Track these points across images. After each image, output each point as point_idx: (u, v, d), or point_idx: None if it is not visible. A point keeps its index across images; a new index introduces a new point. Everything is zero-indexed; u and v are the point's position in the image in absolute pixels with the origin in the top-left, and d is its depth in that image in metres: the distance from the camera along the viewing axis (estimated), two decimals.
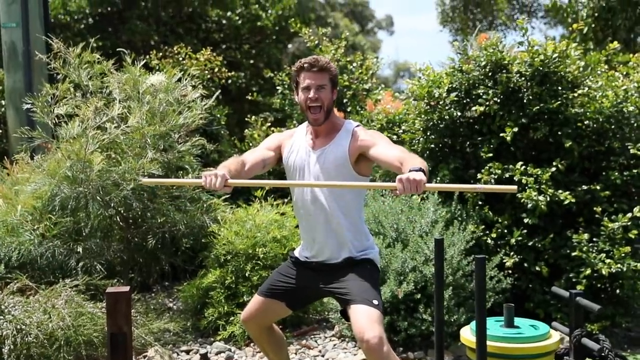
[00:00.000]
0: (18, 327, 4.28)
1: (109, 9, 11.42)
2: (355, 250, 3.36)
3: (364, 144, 3.24)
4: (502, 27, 14.33)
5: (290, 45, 16.81)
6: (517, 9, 14.26)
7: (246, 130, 7.69)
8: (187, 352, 4.82)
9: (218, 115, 7.67)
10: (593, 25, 7.72)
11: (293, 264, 3.51)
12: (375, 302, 3.14)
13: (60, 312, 4.43)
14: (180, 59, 8.27)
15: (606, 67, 5.50)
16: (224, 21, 12.19)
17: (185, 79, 5.79)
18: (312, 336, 5.11)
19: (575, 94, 5.22)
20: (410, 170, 2.82)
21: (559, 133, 5.17)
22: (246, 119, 7.81)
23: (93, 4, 11.05)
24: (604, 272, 4.69)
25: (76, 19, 11.06)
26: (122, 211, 5.41)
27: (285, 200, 5.78)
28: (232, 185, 3.04)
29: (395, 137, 5.74)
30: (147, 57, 7.42)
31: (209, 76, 8.06)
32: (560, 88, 5.24)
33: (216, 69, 8.33)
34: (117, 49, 6.04)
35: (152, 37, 11.50)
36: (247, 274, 5.02)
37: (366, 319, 3.03)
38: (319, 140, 3.36)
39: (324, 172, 3.29)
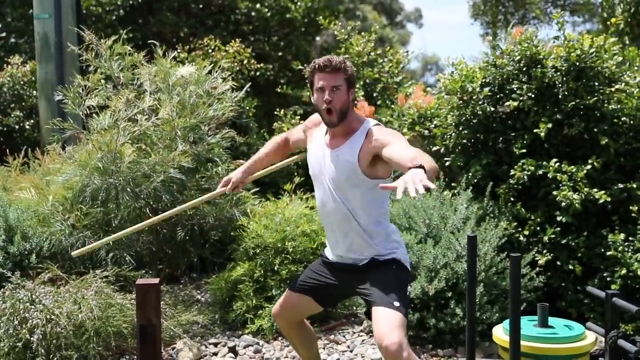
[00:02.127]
0: (48, 317, 4.30)
1: (139, 0, 11.45)
2: (379, 249, 3.26)
3: (377, 143, 3.11)
4: (535, 21, 14.14)
5: (318, 38, 16.76)
6: (551, 3, 14.06)
7: (275, 123, 7.65)
8: (215, 344, 4.81)
9: (247, 108, 7.66)
10: (629, 20, 7.59)
11: (323, 262, 3.49)
12: (397, 304, 3.05)
13: (89, 302, 4.44)
14: (210, 50, 8.26)
15: None
16: (252, 13, 12.15)
17: (216, 71, 5.77)
18: (341, 331, 5.08)
19: (612, 90, 5.12)
20: (409, 169, 2.66)
21: (595, 130, 5.07)
22: (275, 112, 7.77)
23: None
24: (639, 273, 4.59)
25: (108, 10, 11.10)
26: (151, 203, 5.41)
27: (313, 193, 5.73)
28: (246, 181, 3.60)
29: (427, 131, 5.68)
30: (177, 49, 7.42)
31: (238, 68, 8.04)
32: (596, 84, 5.14)
33: (245, 61, 8.31)
34: (148, 41, 6.05)
35: (181, 28, 11.50)
36: (275, 268, 5.00)
37: (385, 324, 2.97)
38: (335, 140, 3.27)
39: (336, 173, 3.22)
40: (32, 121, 8.39)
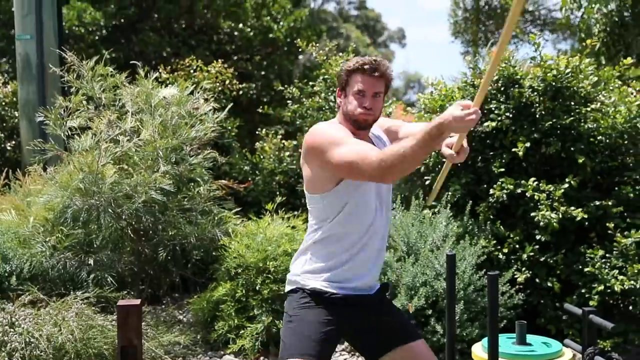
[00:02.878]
0: (27, 339, 4.30)
1: (122, 20, 11.48)
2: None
3: (393, 128, 2.98)
4: (515, 39, 14.33)
5: (301, 57, 16.87)
6: (530, 22, 14.23)
7: (257, 143, 7.70)
8: None
9: (229, 128, 7.69)
10: (605, 40, 7.71)
11: (324, 304, 2.76)
12: None
13: (70, 324, 4.44)
14: (192, 71, 8.30)
15: (619, 82, 5.47)
16: (235, 33, 12.23)
17: (198, 92, 5.81)
18: None
19: (588, 109, 5.20)
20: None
21: (572, 148, 5.14)
22: (257, 132, 7.82)
23: (108, 16, 11.10)
24: (616, 289, 4.65)
25: (90, 30, 11.12)
26: (133, 223, 5.43)
27: (296, 213, 5.76)
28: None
29: None
30: (159, 70, 7.45)
31: (220, 88, 8.08)
32: (573, 103, 5.23)
33: (227, 81, 8.35)
34: (130, 61, 6.08)
35: (164, 48, 11.54)
36: (257, 288, 5.01)
37: (432, 356, 2.89)
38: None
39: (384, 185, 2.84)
40: (13, 142, 8.38)
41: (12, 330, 4.33)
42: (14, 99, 8.35)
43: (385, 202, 2.87)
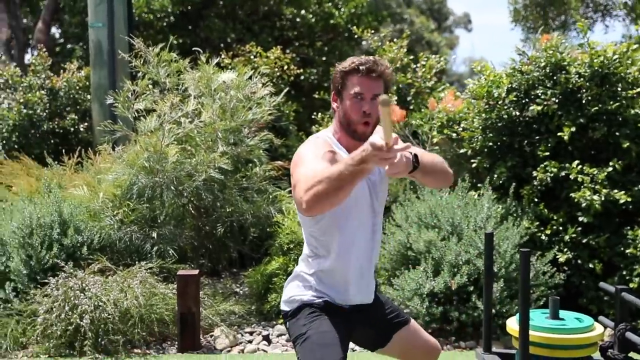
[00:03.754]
0: (96, 303, 4.69)
1: (189, 7, 11.90)
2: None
3: None
4: (575, 26, 14.17)
5: (364, 43, 17.04)
6: (592, 8, 14.06)
7: (314, 127, 7.97)
8: (251, 333, 5.14)
9: (287, 111, 7.99)
10: None
11: (331, 313, 2.67)
12: None
13: (134, 291, 4.82)
14: (252, 57, 8.62)
15: None
16: (297, 19, 12.51)
17: (256, 77, 6.12)
18: None
19: (635, 95, 5.28)
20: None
21: (617, 133, 5.24)
22: (312, 116, 8.10)
23: (175, 3, 11.55)
24: None
25: (159, 17, 11.58)
26: (194, 201, 5.79)
27: None
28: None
29: (454, 134, 5.91)
30: (220, 56, 7.79)
31: (278, 73, 8.38)
32: (619, 89, 5.31)
33: (285, 67, 8.64)
34: (195, 47, 6.43)
35: (229, 34, 11.92)
36: None
37: (424, 332, 3.02)
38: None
39: (379, 196, 2.75)
40: (85, 124, 8.89)
41: (82, 294, 4.73)
42: (87, 83, 8.86)
43: (379, 215, 2.76)
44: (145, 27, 11.53)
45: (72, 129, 8.69)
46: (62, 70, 9.08)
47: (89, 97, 8.80)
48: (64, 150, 7.27)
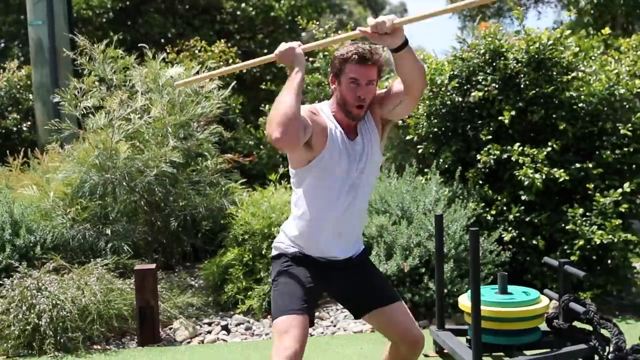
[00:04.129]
0: (54, 302, 4.70)
1: (127, 2, 11.80)
2: (361, 241, 3.16)
3: (377, 106, 2.96)
4: (510, 13, 14.57)
5: (303, 34, 17.14)
6: None
7: (261, 118, 8.05)
8: (209, 324, 5.21)
9: (233, 105, 8.04)
10: (592, 12, 8.01)
11: (307, 266, 2.94)
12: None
13: (92, 288, 4.85)
14: (196, 51, 8.63)
15: (599, 52, 5.79)
16: (238, 12, 12.52)
17: (202, 71, 6.17)
18: (325, 308, 5.49)
19: (569, 78, 5.53)
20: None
21: (554, 116, 5.49)
22: (260, 108, 8.17)
23: None
24: (596, 242, 5.01)
25: (98, 13, 11.45)
26: (145, 196, 5.82)
27: None
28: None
29: (401, 121, 6.07)
30: (166, 51, 7.79)
31: (224, 67, 8.41)
32: (555, 73, 5.55)
33: (230, 60, 8.69)
34: (136, 42, 6.44)
35: (169, 29, 11.86)
36: (263, 252, 5.40)
37: (412, 321, 3.01)
38: (352, 129, 2.95)
39: (366, 165, 2.94)
40: (28, 123, 8.77)
41: (39, 293, 4.73)
42: (28, 82, 8.73)
43: (367, 184, 2.98)
44: (84, 24, 11.38)
45: (14, 129, 8.56)
46: (1, 70, 8.92)
47: (30, 96, 8.68)
48: (7, 151, 7.18)
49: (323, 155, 2.85)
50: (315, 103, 3.06)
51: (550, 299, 4.27)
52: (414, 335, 2.97)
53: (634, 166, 5.50)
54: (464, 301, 4.16)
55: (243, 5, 12.36)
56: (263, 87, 8.31)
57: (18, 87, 8.79)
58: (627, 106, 5.52)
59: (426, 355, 4.43)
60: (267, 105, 8.07)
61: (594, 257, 5.21)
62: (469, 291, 4.09)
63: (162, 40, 11.59)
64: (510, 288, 4.23)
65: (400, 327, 2.98)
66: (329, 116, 2.93)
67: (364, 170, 2.93)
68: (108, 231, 5.57)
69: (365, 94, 2.84)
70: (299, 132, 2.65)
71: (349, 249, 3.00)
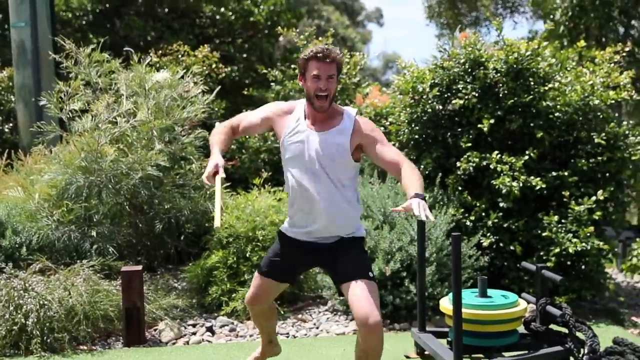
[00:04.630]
0: (41, 302, 4.74)
1: (107, 5, 11.82)
2: (352, 226, 3.46)
3: (369, 139, 3.36)
4: (487, 22, 14.82)
5: (281, 39, 17.24)
6: (500, 5, 14.74)
7: None
8: (194, 325, 5.29)
9: (216, 109, 8.13)
10: (567, 24, 8.23)
11: (289, 244, 3.54)
12: (371, 274, 3.32)
13: (78, 289, 4.90)
14: (180, 56, 8.70)
15: (575, 63, 5.98)
16: (217, 17, 12.59)
17: (188, 76, 6.25)
18: (307, 311, 5.60)
19: (547, 89, 5.71)
20: (416, 195, 3.09)
21: (532, 125, 5.66)
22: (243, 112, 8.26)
23: (95, 1, 11.45)
24: (570, 250, 5.19)
25: (77, 15, 11.45)
26: (130, 199, 5.87)
27: (281, 187, 6.24)
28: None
29: (382, 128, 6.21)
30: (149, 54, 7.85)
31: (207, 72, 8.50)
32: (532, 83, 5.73)
33: (213, 65, 8.77)
34: (116, 45, 6.49)
35: (148, 32, 11.90)
36: (247, 255, 5.49)
37: (367, 300, 3.17)
38: (320, 124, 3.39)
39: (325, 155, 3.34)
40: (10, 125, 8.75)
41: (26, 294, 4.77)
42: (10, 83, 8.72)
43: (330, 174, 3.37)
44: (63, 25, 11.38)
45: None
46: None
47: (12, 97, 8.67)
48: None
49: (283, 140, 3.44)
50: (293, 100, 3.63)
51: (528, 302, 4.42)
52: (364, 314, 3.14)
53: (607, 174, 5.69)
54: (446, 304, 4.29)
55: (222, 9, 12.43)
56: (245, 92, 8.39)
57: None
58: (601, 116, 5.71)
59: (407, 357, 4.55)
60: (248, 110, 8.17)
61: (569, 263, 5.38)
62: (450, 294, 4.22)
63: (142, 44, 11.64)
64: (490, 291, 4.37)
65: (353, 305, 3.21)
66: (300, 110, 3.47)
67: (322, 158, 3.36)
68: (93, 233, 5.63)
69: (326, 87, 3.29)
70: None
71: (322, 234, 3.44)
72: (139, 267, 5.04)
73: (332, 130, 3.37)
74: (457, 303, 3.87)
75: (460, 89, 5.76)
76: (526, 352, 4.21)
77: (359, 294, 3.21)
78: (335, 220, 3.41)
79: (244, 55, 12.54)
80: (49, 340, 4.69)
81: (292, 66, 7.64)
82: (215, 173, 3.29)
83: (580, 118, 5.68)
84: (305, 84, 3.37)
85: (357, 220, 3.51)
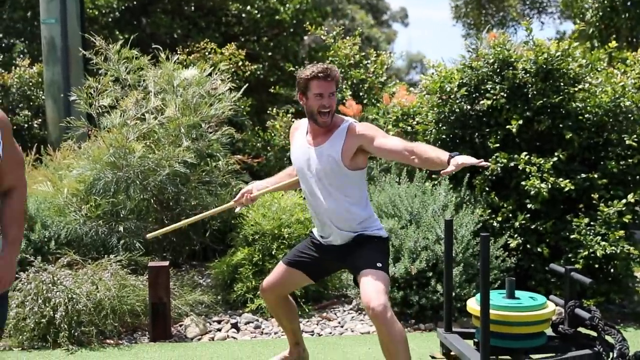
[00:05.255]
0: (69, 296, 4.79)
1: (134, 2, 11.90)
2: (363, 228, 3.66)
3: (363, 139, 3.52)
4: (513, 22, 14.72)
5: (306, 38, 17.27)
6: (528, 5, 14.65)
7: (269, 122, 8.15)
8: (219, 322, 5.31)
9: (242, 107, 8.15)
10: (597, 24, 8.15)
11: (312, 242, 3.84)
12: (379, 264, 3.49)
13: (106, 283, 4.94)
14: (207, 53, 8.74)
15: (606, 64, 5.91)
16: (243, 15, 12.63)
17: (215, 73, 6.27)
18: (332, 309, 5.59)
19: (577, 89, 5.65)
20: (452, 156, 3.26)
21: (561, 126, 5.61)
22: (268, 111, 8.28)
23: None
24: (599, 254, 5.14)
25: (104, 12, 11.55)
26: (157, 194, 5.91)
27: None
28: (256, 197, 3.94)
29: (409, 128, 6.19)
30: (177, 52, 7.90)
31: (233, 70, 8.53)
32: (562, 84, 5.68)
33: (240, 63, 8.80)
34: (142, 42, 6.53)
35: (175, 30, 11.96)
36: (273, 252, 5.50)
37: (372, 287, 3.37)
38: (317, 138, 3.62)
39: (321, 166, 3.59)
40: (39, 120, 8.85)
41: (55, 287, 4.82)
42: (40, 79, 8.82)
43: (330, 185, 3.60)
44: (89, 23, 11.46)
45: (25, 126, 8.65)
46: (13, 67, 9.01)
47: (42, 93, 8.77)
48: None
49: (291, 156, 3.80)
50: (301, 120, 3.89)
51: (556, 304, 4.38)
52: (367, 299, 3.36)
53: (638, 177, 5.62)
54: (473, 305, 4.25)
55: (248, 7, 12.46)
56: (271, 90, 8.40)
57: (29, 84, 8.88)
58: (632, 118, 5.65)
59: (433, 357, 4.53)
60: (274, 108, 8.20)
61: (597, 266, 5.33)
62: (477, 295, 4.19)
63: (168, 41, 11.70)
64: (518, 293, 4.33)
65: (361, 292, 3.45)
66: (304, 127, 3.75)
67: (319, 172, 3.60)
68: (120, 228, 5.67)
69: (329, 103, 3.54)
70: None
71: (335, 238, 3.69)
72: (166, 263, 5.07)
73: (326, 144, 3.59)
74: (485, 304, 3.85)
75: (489, 89, 5.73)
76: (554, 354, 4.17)
77: (365, 281, 3.42)
78: (342, 228, 3.65)
79: (269, 54, 12.57)
80: (76, 334, 4.75)
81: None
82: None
83: (611, 119, 5.62)
84: (307, 102, 3.60)
85: (368, 222, 3.70)
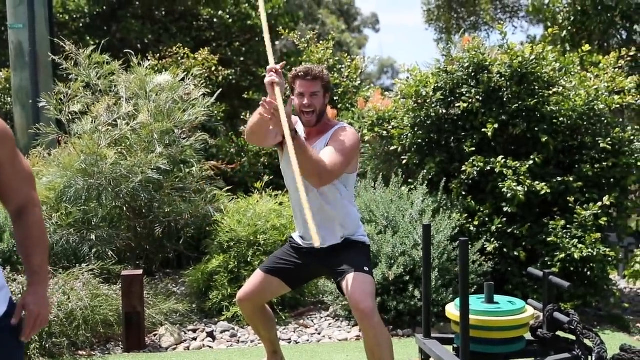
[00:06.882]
0: None
1: (104, 7, 11.75)
2: (348, 233, 3.63)
3: (329, 141, 3.52)
4: (486, 27, 14.80)
5: (277, 42, 17.21)
6: (500, 9, 14.73)
7: (242, 127, 8.07)
8: (194, 331, 5.21)
9: (216, 112, 8.06)
10: (569, 28, 8.21)
11: (292, 247, 3.78)
12: (366, 268, 3.48)
13: (78, 293, 4.82)
14: (179, 58, 8.64)
15: (579, 68, 5.94)
16: (215, 20, 12.55)
17: (189, 79, 6.19)
18: (309, 316, 5.53)
19: (551, 93, 5.66)
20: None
21: (536, 129, 5.61)
22: (241, 116, 8.20)
23: (92, 3, 11.38)
24: (576, 256, 5.14)
25: (74, 17, 11.39)
26: (129, 202, 5.80)
27: (282, 191, 6.18)
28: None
29: (385, 132, 6.15)
30: (148, 57, 7.79)
31: (206, 75, 8.44)
32: (537, 87, 5.69)
33: (213, 68, 8.71)
34: (113, 48, 6.43)
35: (146, 35, 11.84)
36: (249, 259, 5.43)
37: (360, 290, 3.36)
38: (311, 138, 3.59)
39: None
40: None
41: None
42: (7, 85, 8.64)
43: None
44: (59, 28, 11.29)
45: None
46: None
47: (9, 99, 8.59)
48: None
49: (284, 147, 3.54)
50: None
51: (535, 308, 4.36)
52: (355, 300, 3.35)
53: (612, 180, 5.65)
54: (452, 310, 4.22)
55: (220, 13, 12.39)
56: (245, 96, 8.33)
57: None
58: (605, 121, 5.68)
59: None
60: (247, 114, 8.11)
61: (573, 269, 5.33)
62: (456, 300, 4.16)
63: (139, 46, 11.57)
64: (496, 297, 4.31)
65: (347, 294, 3.42)
66: (300, 126, 3.63)
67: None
68: (92, 236, 5.55)
69: (309, 103, 3.50)
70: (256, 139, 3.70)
71: (321, 238, 3.41)
72: (140, 272, 4.97)
73: (316, 144, 3.55)
74: (465, 309, 3.81)
75: (464, 93, 5.72)
76: (533, 359, 4.16)
77: (353, 283, 3.39)
78: (328, 236, 3.57)
79: (242, 59, 12.50)
80: (47, 345, 4.63)
81: (293, 69, 7.58)
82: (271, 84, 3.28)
83: (585, 123, 5.64)
84: (294, 101, 3.56)
85: (352, 227, 3.65)
